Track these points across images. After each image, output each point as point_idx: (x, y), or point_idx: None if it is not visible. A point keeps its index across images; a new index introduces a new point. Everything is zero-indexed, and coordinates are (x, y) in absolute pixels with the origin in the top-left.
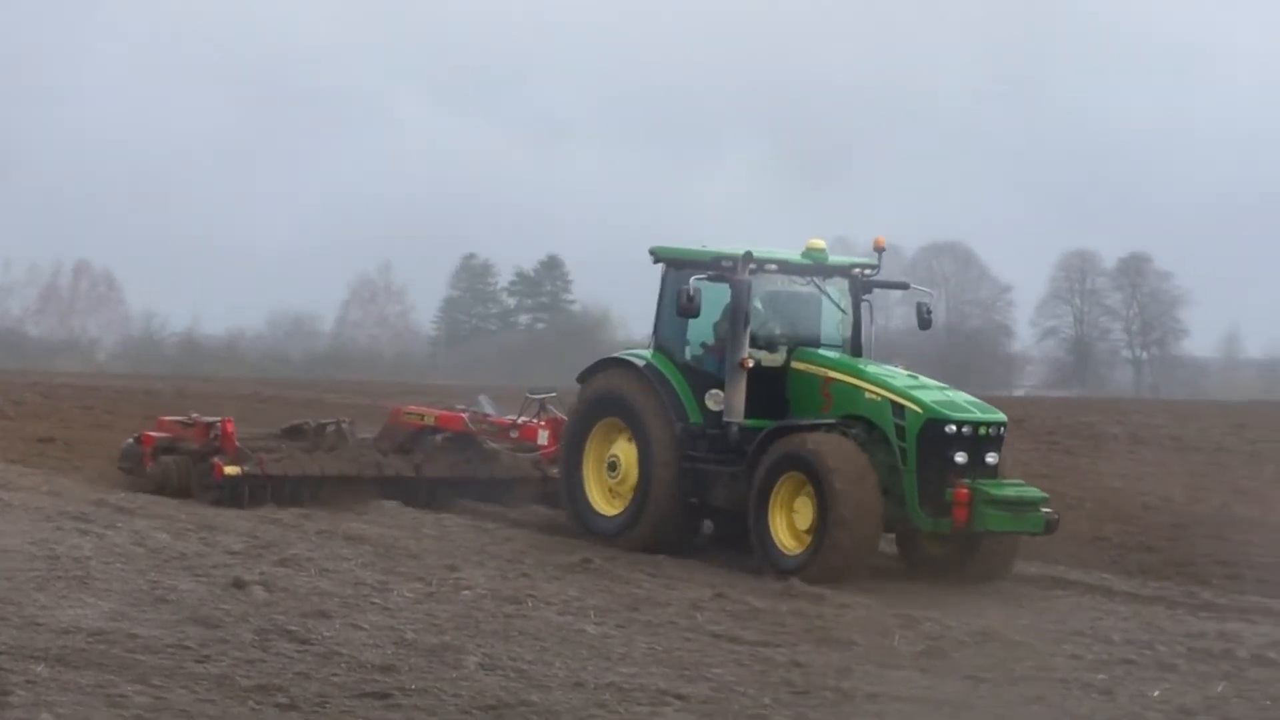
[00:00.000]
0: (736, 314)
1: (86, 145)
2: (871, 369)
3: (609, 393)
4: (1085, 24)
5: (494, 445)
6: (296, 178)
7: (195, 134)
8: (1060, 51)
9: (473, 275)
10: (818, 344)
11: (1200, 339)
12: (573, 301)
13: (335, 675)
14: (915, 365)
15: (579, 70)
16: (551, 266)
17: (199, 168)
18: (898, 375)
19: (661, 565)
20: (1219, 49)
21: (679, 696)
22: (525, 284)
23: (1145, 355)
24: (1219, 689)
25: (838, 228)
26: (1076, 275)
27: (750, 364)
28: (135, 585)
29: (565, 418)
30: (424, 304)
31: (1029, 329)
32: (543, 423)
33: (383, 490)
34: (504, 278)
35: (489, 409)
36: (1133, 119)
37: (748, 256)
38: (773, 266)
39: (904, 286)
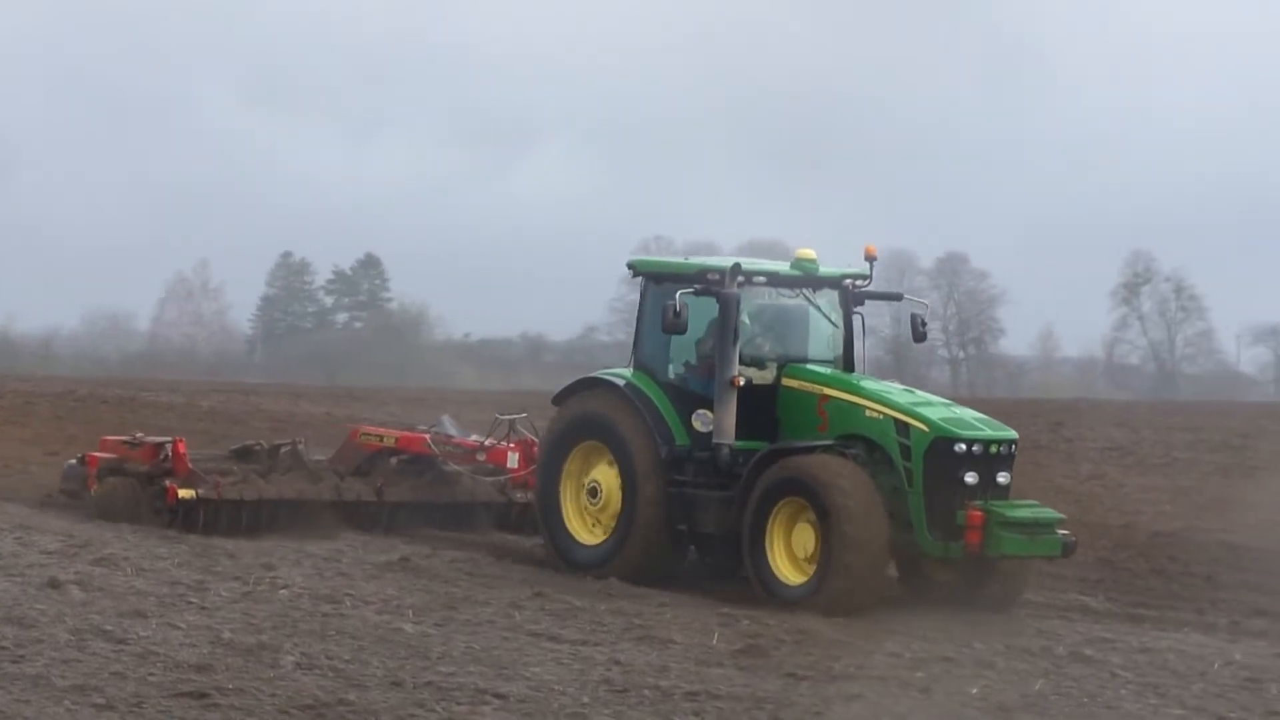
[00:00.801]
0: (725, 329)
1: None
2: (870, 385)
3: (588, 414)
4: (911, 23)
5: (456, 468)
6: (114, 176)
7: (8, 129)
8: (877, 47)
9: (290, 273)
10: (807, 360)
11: (1016, 338)
12: (390, 300)
13: (152, 675)
14: None
15: (396, 70)
16: (369, 265)
17: (14, 163)
18: (897, 391)
19: (480, 564)
20: (1049, 53)
21: (498, 695)
22: (343, 282)
23: (963, 354)
24: (1037, 686)
25: (657, 227)
26: (894, 274)
27: (741, 382)
28: None
29: (536, 439)
30: (241, 302)
31: None
32: (512, 445)
33: (343, 515)
34: (321, 276)
35: (452, 430)
36: (951, 118)
37: (736, 268)
38: (762, 279)
39: (897, 298)
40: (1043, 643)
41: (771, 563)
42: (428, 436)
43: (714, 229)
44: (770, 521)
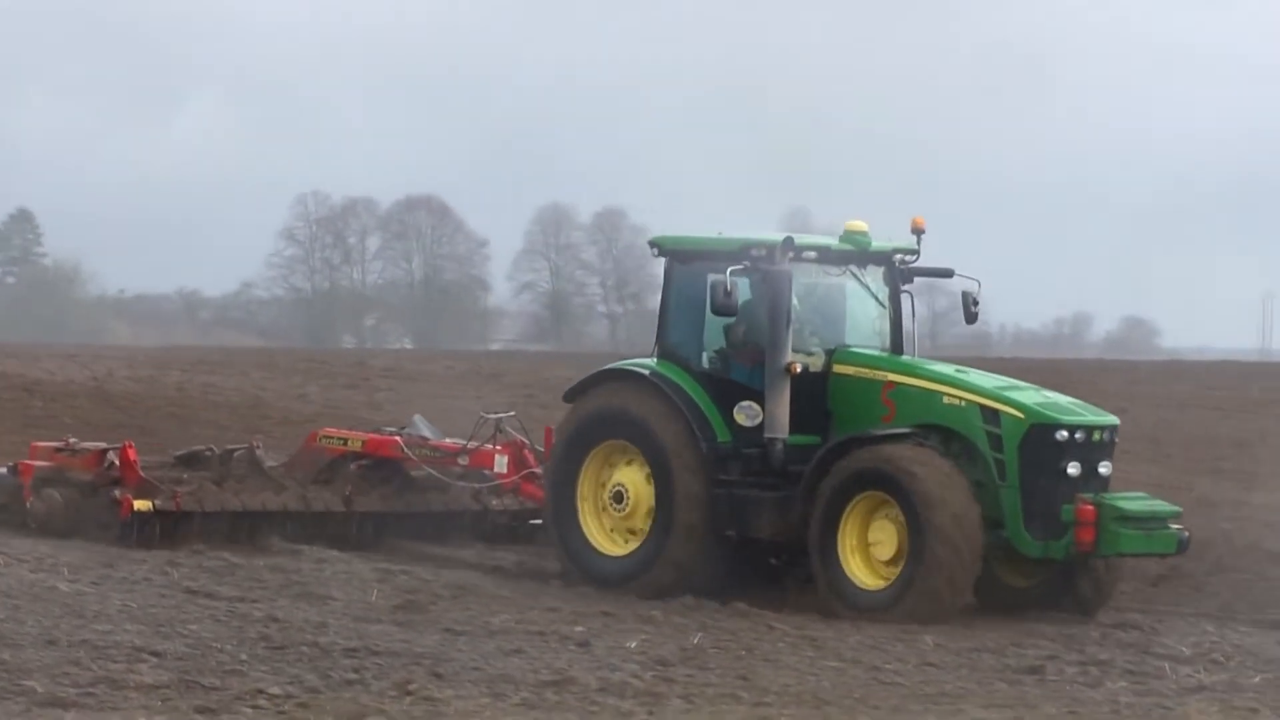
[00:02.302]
0: (777, 310)
1: None
2: (941, 368)
3: (609, 410)
4: None
5: (431, 471)
6: None
7: None
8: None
9: None
10: (854, 343)
11: None
12: (44, 255)
13: None
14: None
15: (40, 18)
16: (22, 220)
17: None
18: (975, 373)
19: None
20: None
21: (154, 654)
22: None
23: (621, 309)
24: (695, 640)
25: (310, 182)
26: (552, 229)
27: (798, 369)
28: None
29: (525, 440)
30: None
31: (505, 283)
32: (499, 447)
33: (309, 527)
34: None
35: (426, 431)
36: (604, 72)
37: (788, 243)
38: (812, 254)
39: (948, 274)
40: (700, 597)
41: (845, 566)
42: (400, 440)
43: (368, 183)
44: (843, 520)
